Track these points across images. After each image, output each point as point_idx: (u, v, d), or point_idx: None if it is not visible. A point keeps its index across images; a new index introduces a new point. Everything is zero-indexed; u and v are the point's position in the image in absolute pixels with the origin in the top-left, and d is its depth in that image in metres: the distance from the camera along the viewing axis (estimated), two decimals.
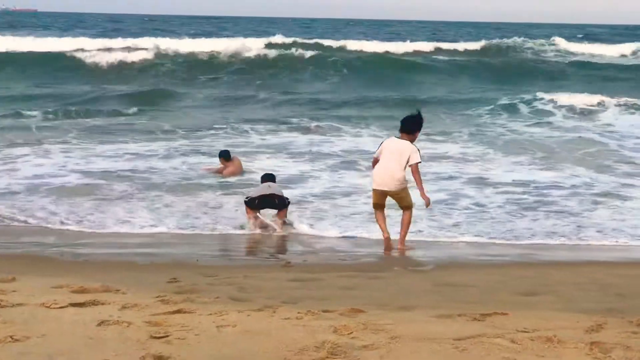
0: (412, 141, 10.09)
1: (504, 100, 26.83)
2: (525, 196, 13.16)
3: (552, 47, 49.26)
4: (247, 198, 11.57)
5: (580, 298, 7.09)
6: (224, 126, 21.24)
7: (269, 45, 41.44)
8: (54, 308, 6.06)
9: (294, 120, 22.84)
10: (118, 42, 42.88)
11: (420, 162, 10.02)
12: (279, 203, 11.57)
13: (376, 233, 10.58)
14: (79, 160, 15.91)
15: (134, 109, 24.34)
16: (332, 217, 11.80)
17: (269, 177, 12.33)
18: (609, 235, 10.90)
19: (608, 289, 7.57)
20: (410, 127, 10.14)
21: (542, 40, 51.56)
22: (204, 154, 17.08)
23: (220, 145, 17.62)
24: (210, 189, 13.61)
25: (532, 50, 47.32)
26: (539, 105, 26.33)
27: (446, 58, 40.37)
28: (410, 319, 5.95)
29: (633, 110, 25.91)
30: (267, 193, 11.64)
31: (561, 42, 51.70)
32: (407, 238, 10.25)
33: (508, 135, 20.88)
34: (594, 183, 14.34)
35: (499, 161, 16.67)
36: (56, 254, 9.35)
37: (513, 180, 14.40)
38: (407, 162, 9.95)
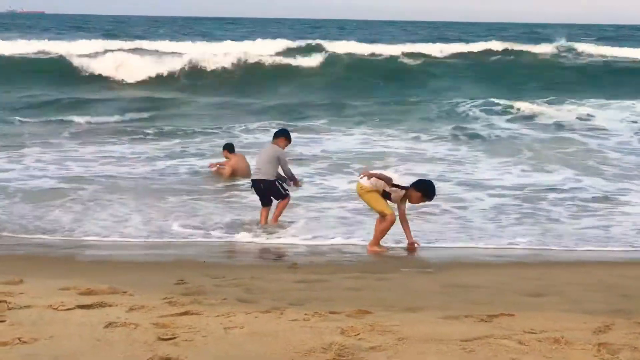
0: (415, 197, 10.14)
1: (498, 104, 26.56)
2: (516, 201, 12.88)
3: (577, 50, 47.50)
4: None
5: (587, 299, 7.08)
6: (217, 128, 21.20)
7: (277, 48, 41.39)
8: (62, 310, 6.08)
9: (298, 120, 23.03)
10: (122, 44, 42.99)
11: (393, 184, 10.04)
12: (264, 188, 11.29)
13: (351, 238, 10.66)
14: (51, 165, 15.57)
15: (130, 115, 23.94)
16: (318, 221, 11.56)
17: (276, 135, 11.78)
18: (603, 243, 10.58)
19: (615, 289, 7.55)
20: (418, 186, 10.14)
21: (570, 43, 49.94)
22: (194, 155, 17.10)
23: (206, 146, 17.92)
24: (200, 192, 13.45)
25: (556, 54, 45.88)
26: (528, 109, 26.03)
27: (454, 60, 40.30)
28: (417, 320, 5.95)
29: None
30: (256, 178, 11.41)
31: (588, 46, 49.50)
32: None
33: (493, 134, 21.06)
34: (587, 187, 14.10)
35: (487, 162, 16.61)
36: (63, 256, 9.38)
37: (502, 185, 14.21)
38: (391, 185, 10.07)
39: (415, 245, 10.20)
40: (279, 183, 11.48)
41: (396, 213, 10.19)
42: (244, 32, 76.22)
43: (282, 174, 11.57)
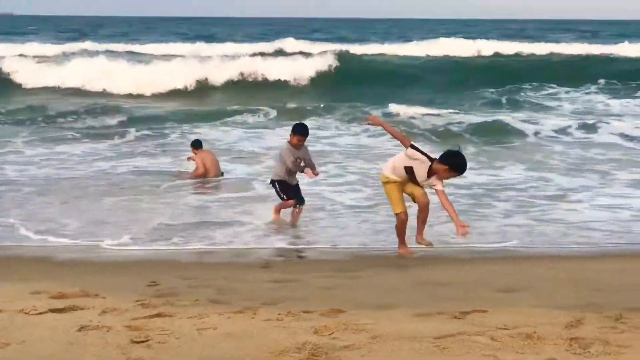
0: (439, 170, 9.00)
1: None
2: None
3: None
4: None
5: (558, 294, 7.13)
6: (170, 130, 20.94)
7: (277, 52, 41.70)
8: (33, 314, 6.03)
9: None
10: (89, 45, 43.14)
11: (412, 145, 9.08)
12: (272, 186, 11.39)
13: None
14: None
15: (91, 120, 23.16)
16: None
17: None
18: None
19: (585, 284, 7.63)
20: (443, 159, 8.99)
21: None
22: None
23: (153, 145, 18.12)
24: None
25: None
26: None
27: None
28: (391, 318, 5.97)
29: None
30: None
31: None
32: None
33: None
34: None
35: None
36: (33, 259, 9.30)
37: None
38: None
39: (466, 227, 9.00)
40: (277, 186, 11.20)
41: (435, 200, 9.25)
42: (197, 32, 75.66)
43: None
